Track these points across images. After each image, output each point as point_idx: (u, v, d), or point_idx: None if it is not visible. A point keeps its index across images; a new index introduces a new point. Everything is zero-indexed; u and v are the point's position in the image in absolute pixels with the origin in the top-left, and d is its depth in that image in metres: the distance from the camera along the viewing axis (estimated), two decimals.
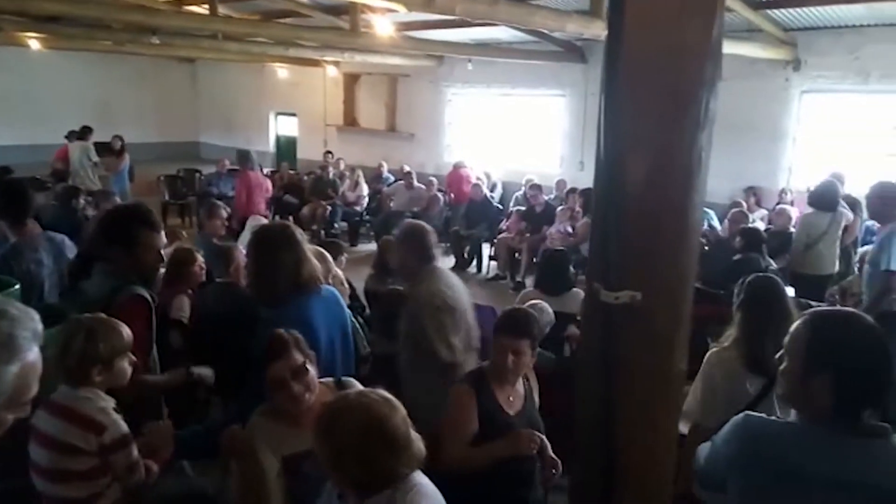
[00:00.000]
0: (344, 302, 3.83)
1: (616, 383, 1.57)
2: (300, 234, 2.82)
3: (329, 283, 3.90)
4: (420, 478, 1.79)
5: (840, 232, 6.25)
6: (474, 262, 9.41)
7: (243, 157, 8.63)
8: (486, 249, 9.30)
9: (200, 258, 3.99)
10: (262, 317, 2.71)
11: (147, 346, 2.65)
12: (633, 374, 1.56)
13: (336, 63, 12.84)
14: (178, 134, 18.09)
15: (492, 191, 10.75)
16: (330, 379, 2.43)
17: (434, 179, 10.56)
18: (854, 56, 8.08)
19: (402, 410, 1.78)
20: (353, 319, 3.91)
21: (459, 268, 9.37)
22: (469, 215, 9.58)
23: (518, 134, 11.78)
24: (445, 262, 9.71)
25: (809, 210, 6.41)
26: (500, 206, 10.21)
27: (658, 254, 1.50)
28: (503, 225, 9.23)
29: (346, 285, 4.59)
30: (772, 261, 6.72)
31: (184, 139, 18.23)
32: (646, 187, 1.47)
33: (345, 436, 1.69)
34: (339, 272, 4.72)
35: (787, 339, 1.50)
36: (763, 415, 1.68)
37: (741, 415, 1.74)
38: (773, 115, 8.84)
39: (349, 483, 1.72)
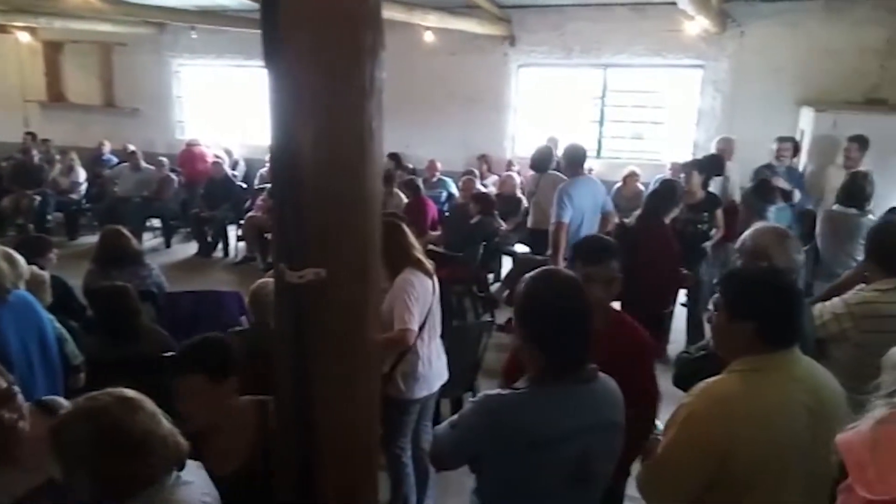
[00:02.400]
0: (40, 307, 3.33)
1: (311, 362, 1.52)
2: None
3: (24, 288, 3.36)
4: (187, 476, 1.67)
5: None
6: (220, 246, 8.87)
7: None
8: (233, 231, 8.82)
9: None
10: None
11: None
12: (327, 352, 1.53)
13: (31, 29, 10.97)
14: None
15: (234, 169, 10.17)
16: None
17: (165, 159, 9.68)
18: (559, 33, 9.03)
19: (148, 408, 1.62)
20: (62, 325, 3.41)
21: (204, 253, 8.78)
22: (209, 196, 8.96)
23: (258, 108, 11.26)
24: (187, 249, 9.07)
25: (530, 173, 7.08)
26: (244, 185, 9.72)
27: (338, 228, 1.47)
28: (250, 204, 8.81)
29: (48, 286, 3.99)
30: (503, 222, 7.36)
31: None
32: (317, 161, 1.43)
33: (74, 448, 1.54)
34: (43, 272, 4.10)
35: None
36: (499, 390, 1.81)
37: (481, 394, 1.86)
38: (495, 88, 9.56)
39: (97, 496, 1.55)
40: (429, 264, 3.37)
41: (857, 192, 4.56)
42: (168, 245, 9.19)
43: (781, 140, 6.54)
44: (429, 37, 8.92)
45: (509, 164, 9.18)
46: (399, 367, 3.25)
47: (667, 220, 4.66)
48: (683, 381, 2.48)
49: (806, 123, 7.20)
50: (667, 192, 4.70)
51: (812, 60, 7.84)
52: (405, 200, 7.44)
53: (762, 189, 5.67)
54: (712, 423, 1.75)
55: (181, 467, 1.67)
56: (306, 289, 1.46)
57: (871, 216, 4.89)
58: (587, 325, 1.71)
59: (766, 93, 8.06)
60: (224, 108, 11.28)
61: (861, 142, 5.97)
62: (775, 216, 6.17)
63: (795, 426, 1.75)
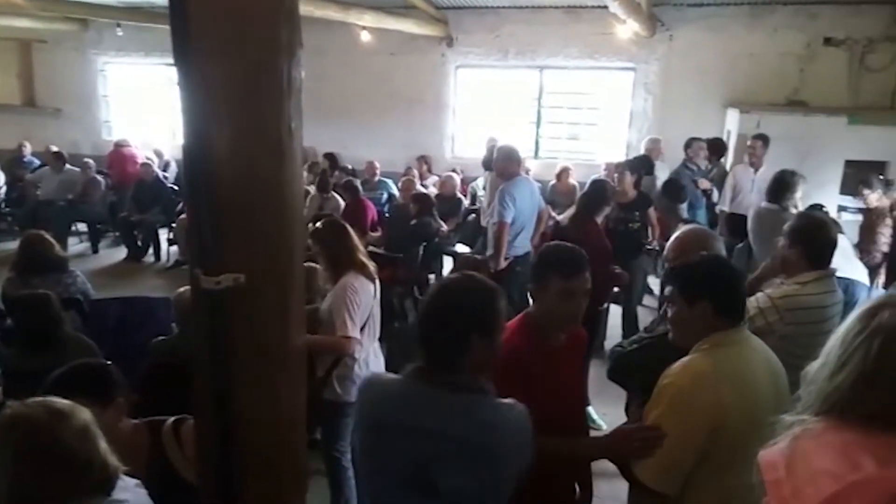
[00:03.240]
0: None
1: (232, 371, 1.47)
2: None
3: None
4: (120, 494, 1.57)
5: None
6: (151, 250, 8.57)
7: None
8: (164, 235, 8.53)
9: None
10: None
11: None
12: (249, 358, 1.48)
13: None
14: None
15: (164, 170, 9.83)
16: None
17: (91, 161, 9.28)
18: (495, 34, 9.11)
19: (77, 422, 1.52)
20: None
21: (133, 258, 8.46)
22: (139, 198, 8.63)
23: None
24: (115, 254, 8.72)
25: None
26: (175, 187, 9.41)
27: (257, 231, 1.43)
28: (182, 206, 8.53)
29: None
30: (443, 223, 7.35)
31: None
32: (234, 163, 1.38)
33: None
34: None
35: None
36: (385, 374, 1.82)
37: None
38: (434, 88, 9.57)
39: None
40: (372, 267, 3.34)
41: (783, 188, 4.74)
42: (95, 250, 8.81)
43: (695, 140, 6.78)
44: (366, 36, 8.85)
45: (455, 171, 9.19)
46: (336, 371, 3.21)
47: (599, 220, 4.75)
48: (618, 373, 2.54)
49: (732, 124, 7.48)
50: (598, 191, 4.78)
51: (737, 64, 8.15)
52: (342, 202, 7.35)
53: (671, 189, 5.85)
54: (698, 396, 1.84)
55: (109, 489, 1.58)
56: (224, 295, 1.41)
57: (794, 212, 5.12)
58: (453, 336, 1.65)
59: (695, 94, 8.33)
60: (154, 108, 10.89)
61: (764, 140, 6.27)
62: (694, 215, 6.41)
63: (767, 390, 1.89)
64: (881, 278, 5.10)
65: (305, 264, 3.78)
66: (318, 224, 3.57)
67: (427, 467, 1.60)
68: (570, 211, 5.00)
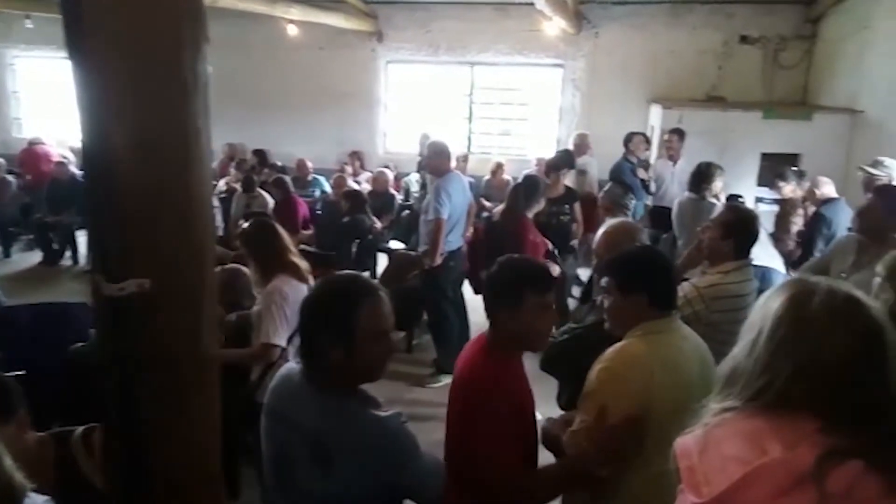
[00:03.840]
0: None
1: (139, 382, 1.40)
2: None
3: None
4: None
5: None
6: (67, 254, 8.15)
7: None
8: (82, 237, 8.11)
9: None
10: None
11: None
12: (157, 368, 1.41)
13: None
14: None
15: (81, 169, 9.35)
16: None
17: (1, 160, 8.74)
18: (425, 30, 9.09)
19: None
20: None
21: (49, 262, 8.03)
22: (54, 199, 8.17)
23: None
24: (29, 258, 8.25)
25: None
26: None
27: (163, 235, 1.36)
28: None
29: None
30: (377, 220, 7.28)
31: None
32: (137, 163, 1.30)
33: None
34: None
35: None
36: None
37: None
38: (365, 84, 9.47)
39: None
40: (305, 267, 3.25)
41: (702, 179, 4.90)
42: (7, 254, 8.32)
43: (635, 134, 6.96)
44: (293, 30, 8.67)
45: (388, 167, 9.12)
46: (269, 374, 3.12)
47: (530, 215, 4.79)
48: (550, 363, 2.58)
49: (655, 119, 7.71)
50: (528, 187, 4.83)
51: (659, 61, 8.41)
52: (271, 200, 7.19)
53: (618, 180, 6.00)
54: (631, 377, 1.89)
55: None
56: (128, 302, 1.34)
57: (713, 201, 5.31)
58: (308, 337, 1.66)
59: (620, 90, 8.55)
60: (67, 104, 10.33)
61: (679, 134, 6.52)
62: (636, 206, 6.58)
63: (696, 376, 1.94)
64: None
65: (232, 266, 3.70)
66: (244, 224, 3.46)
67: (284, 454, 1.65)
68: (502, 206, 5.04)
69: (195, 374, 1.46)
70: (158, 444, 1.42)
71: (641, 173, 6.62)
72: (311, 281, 3.33)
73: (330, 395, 1.62)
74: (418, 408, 4.53)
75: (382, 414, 1.62)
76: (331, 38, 9.14)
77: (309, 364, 1.66)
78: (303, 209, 7.46)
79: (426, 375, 5.23)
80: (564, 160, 6.17)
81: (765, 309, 1.17)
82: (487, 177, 8.40)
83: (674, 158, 6.56)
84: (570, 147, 7.30)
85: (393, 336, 1.71)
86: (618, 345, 2.01)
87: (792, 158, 6.49)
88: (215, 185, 8.42)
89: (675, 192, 6.52)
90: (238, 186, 7.64)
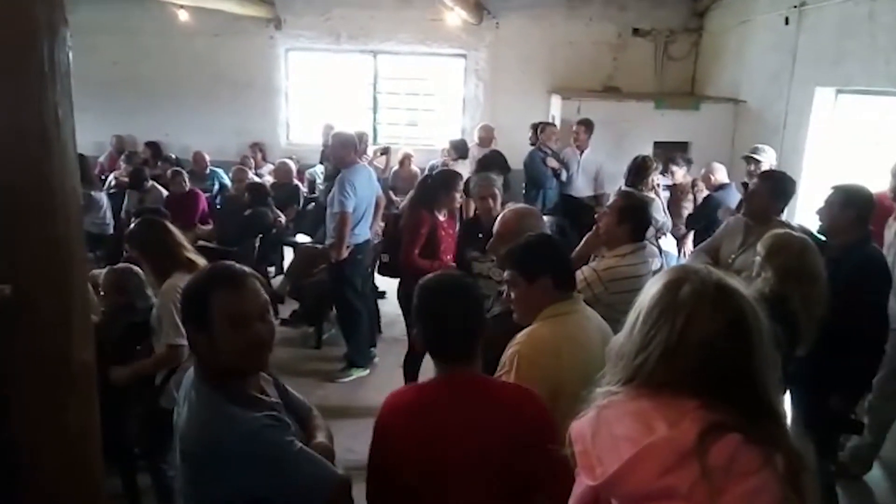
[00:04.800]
0: None
1: (6, 388, 1.28)
2: None
3: None
4: None
5: None
6: None
7: None
8: None
9: None
10: None
11: None
12: (27, 375, 1.30)
13: None
14: None
15: None
16: None
17: None
18: (325, 17, 8.88)
19: None
20: None
21: None
22: None
23: None
24: None
25: None
26: None
27: (23, 235, 1.24)
28: None
29: None
30: (280, 213, 7.07)
31: None
32: None
33: None
34: None
35: None
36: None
37: None
38: (265, 72, 9.17)
39: None
40: (202, 264, 3.11)
41: (641, 173, 5.07)
42: None
43: (547, 125, 7.10)
44: (184, 16, 8.25)
45: (291, 159, 8.86)
46: (174, 377, 2.98)
47: (438, 209, 4.70)
48: None
49: (556, 109, 7.90)
50: (437, 180, 4.74)
51: (557, 52, 8.61)
52: (165, 194, 6.84)
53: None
54: (541, 361, 1.94)
55: None
56: None
57: (650, 195, 5.50)
58: (185, 326, 1.67)
59: (522, 81, 8.70)
60: None
61: (587, 124, 6.73)
62: (545, 195, 6.73)
63: (598, 351, 1.94)
64: (687, 248, 5.64)
65: (123, 266, 3.48)
66: (132, 223, 3.28)
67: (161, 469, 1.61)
68: (406, 201, 4.99)
69: (68, 379, 1.35)
70: (31, 454, 1.31)
71: (552, 162, 6.78)
72: None
73: (201, 392, 1.54)
74: (329, 403, 4.46)
75: (244, 415, 1.52)
76: (226, 25, 8.78)
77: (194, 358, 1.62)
78: (202, 203, 7.15)
79: (336, 371, 5.14)
80: (457, 150, 6.30)
81: (644, 294, 1.22)
82: (395, 168, 8.34)
83: (581, 148, 6.75)
84: (475, 139, 7.38)
85: (263, 325, 1.58)
86: (527, 329, 2.07)
87: (682, 146, 6.83)
88: (104, 179, 7.95)
89: (581, 181, 6.72)
90: (130, 181, 7.22)
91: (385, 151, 8.07)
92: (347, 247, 4.94)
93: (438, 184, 4.39)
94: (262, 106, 9.24)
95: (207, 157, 8.10)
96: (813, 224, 3.44)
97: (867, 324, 3.05)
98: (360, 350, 5.23)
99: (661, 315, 1.17)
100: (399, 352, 5.59)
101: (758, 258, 2.83)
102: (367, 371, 5.19)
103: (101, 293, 3.48)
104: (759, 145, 5.22)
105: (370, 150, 6.63)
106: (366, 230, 5.15)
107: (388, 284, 6.87)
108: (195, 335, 1.53)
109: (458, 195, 4.37)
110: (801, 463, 1.09)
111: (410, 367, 4.31)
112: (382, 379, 5.07)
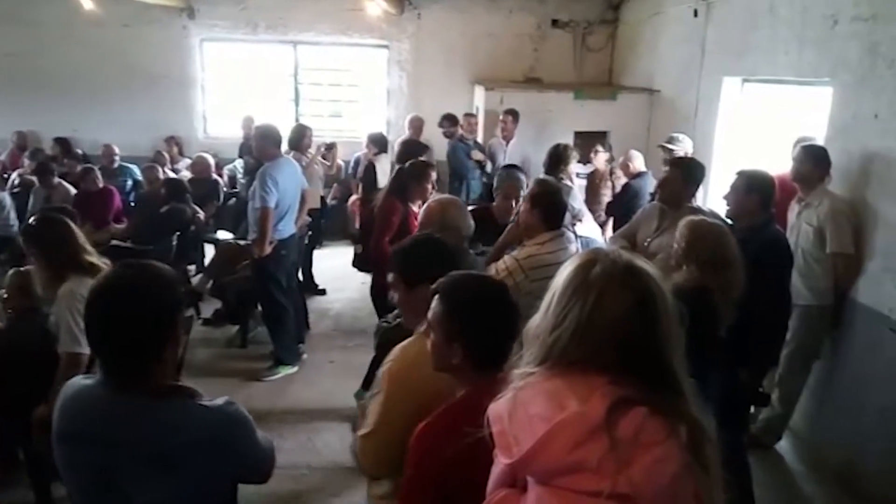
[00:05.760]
0: None
1: None
2: None
3: None
4: None
5: None
6: None
7: None
8: None
9: None
10: None
11: None
12: None
13: None
14: None
15: None
16: None
17: None
18: (241, 7, 8.63)
19: None
20: None
21: None
22: None
23: None
24: None
25: None
26: None
27: None
28: None
29: None
30: (199, 209, 6.84)
31: None
32: None
33: None
34: None
35: None
36: (80, 380, 1.62)
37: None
38: (179, 63, 8.84)
39: None
40: (101, 267, 2.94)
41: (558, 161, 5.14)
42: None
43: (469, 116, 7.15)
44: (88, 5, 7.83)
45: (215, 156, 8.56)
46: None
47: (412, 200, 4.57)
48: (383, 349, 2.57)
49: (479, 100, 7.96)
50: (412, 171, 4.54)
51: (479, 43, 8.69)
52: (73, 192, 6.51)
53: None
54: (412, 381, 1.83)
55: None
56: None
57: (566, 182, 5.58)
58: (145, 337, 1.49)
59: (445, 72, 8.72)
60: None
61: (514, 114, 6.83)
62: (468, 186, 6.77)
63: None
64: (608, 233, 5.82)
65: (27, 268, 3.28)
66: (30, 221, 3.09)
67: (116, 479, 1.47)
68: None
69: None
70: None
71: (477, 154, 6.83)
72: None
73: (156, 398, 1.50)
74: (255, 402, 4.35)
75: (216, 403, 1.55)
76: (135, 14, 8.40)
77: (130, 369, 1.50)
78: (116, 201, 6.85)
79: (263, 369, 5.03)
80: (376, 144, 6.35)
81: (558, 276, 1.25)
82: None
83: (507, 138, 6.83)
84: (407, 130, 7.37)
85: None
86: (405, 342, 1.93)
87: (601, 135, 7.02)
88: (6, 178, 7.50)
89: None
90: (35, 179, 6.82)
91: (330, 147, 7.92)
92: (271, 242, 4.84)
93: (411, 175, 4.30)
94: (178, 99, 8.90)
95: (116, 149, 7.73)
96: (722, 208, 3.60)
97: (773, 302, 3.24)
98: (287, 347, 5.14)
99: (574, 294, 1.20)
100: (327, 347, 5.56)
101: (677, 247, 2.94)
102: (296, 368, 5.10)
103: (5, 296, 3.31)
104: (675, 134, 5.43)
105: (313, 147, 6.48)
106: (290, 225, 5.06)
107: (329, 282, 6.82)
108: (169, 337, 1.53)
109: (430, 186, 4.28)
110: (703, 432, 1.15)
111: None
112: (311, 375, 5.01)
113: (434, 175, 4.36)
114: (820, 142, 4.14)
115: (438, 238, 2.11)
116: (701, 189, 4.69)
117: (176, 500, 1.51)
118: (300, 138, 5.98)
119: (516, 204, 3.76)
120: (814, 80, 4.39)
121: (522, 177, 4.08)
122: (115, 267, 1.62)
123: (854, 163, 3.85)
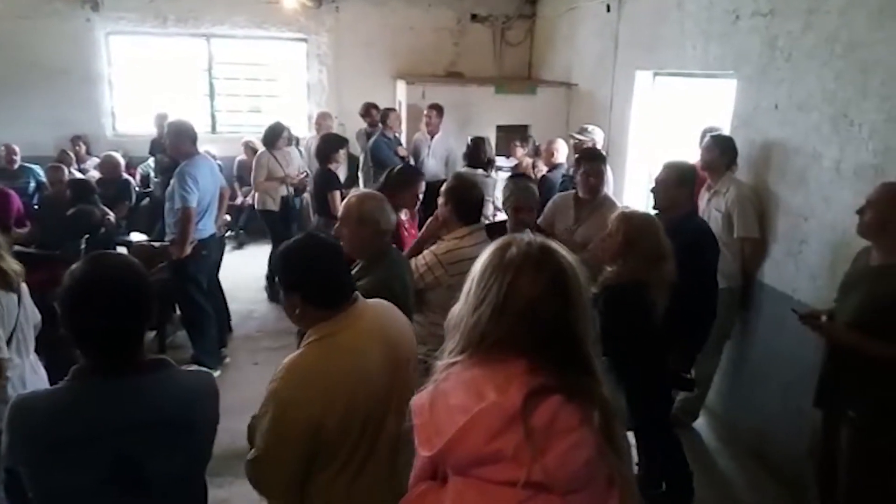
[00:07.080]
0: None
1: None
2: None
3: None
4: None
5: None
6: None
7: None
8: None
9: None
10: None
11: None
12: None
13: None
14: None
15: None
16: None
17: None
18: None
19: None
20: None
21: None
22: None
23: None
24: None
25: None
26: None
27: None
28: None
29: None
30: (109, 210, 6.50)
31: None
32: None
33: None
34: None
35: None
36: (39, 391, 1.69)
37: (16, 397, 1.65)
38: (83, 58, 8.35)
39: None
40: (15, 272, 2.81)
41: (477, 153, 5.15)
42: None
43: (391, 111, 7.10)
44: None
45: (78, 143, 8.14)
46: None
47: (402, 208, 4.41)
48: None
49: (401, 94, 7.93)
50: (400, 178, 4.41)
51: (400, 37, 8.64)
52: None
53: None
54: (297, 400, 1.73)
55: None
56: None
57: (493, 175, 5.62)
58: (135, 324, 1.62)
59: (366, 66, 8.63)
60: None
61: (438, 109, 6.86)
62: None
63: (383, 368, 1.84)
64: None
65: None
66: None
67: (129, 463, 1.53)
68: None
69: None
70: None
71: (401, 150, 6.81)
72: (24, 287, 2.89)
73: (154, 375, 1.63)
74: None
75: (200, 372, 1.81)
76: (34, 6, 7.90)
77: (124, 354, 1.60)
78: (16, 204, 6.42)
79: None
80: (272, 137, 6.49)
81: (476, 262, 1.26)
82: (241, 157, 7.97)
83: (432, 133, 6.83)
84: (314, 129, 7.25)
85: None
86: (289, 358, 1.82)
87: (522, 129, 7.12)
88: None
89: (432, 164, 6.80)
90: None
91: (292, 142, 7.67)
92: (191, 242, 4.68)
93: (398, 182, 4.04)
94: (83, 95, 8.42)
95: (17, 149, 7.26)
96: (638, 198, 3.71)
97: (702, 289, 3.34)
98: (209, 351, 4.98)
99: (492, 275, 1.21)
100: (251, 349, 5.41)
101: (610, 241, 2.96)
102: (219, 372, 4.94)
103: None
104: (586, 125, 5.57)
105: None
106: (210, 225, 4.90)
107: (254, 282, 6.62)
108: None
109: (419, 195, 4.05)
110: (613, 414, 1.18)
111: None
112: (234, 378, 4.87)
113: (423, 185, 4.11)
114: (726, 132, 4.34)
115: (319, 244, 1.94)
116: (611, 178, 4.85)
117: (190, 466, 1.67)
118: (276, 137, 6.23)
119: (529, 216, 3.68)
120: (719, 73, 4.59)
121: (533, 187, 3.91)
122: (90, 259, 1.65)
123: (757, 151, 4.05)
